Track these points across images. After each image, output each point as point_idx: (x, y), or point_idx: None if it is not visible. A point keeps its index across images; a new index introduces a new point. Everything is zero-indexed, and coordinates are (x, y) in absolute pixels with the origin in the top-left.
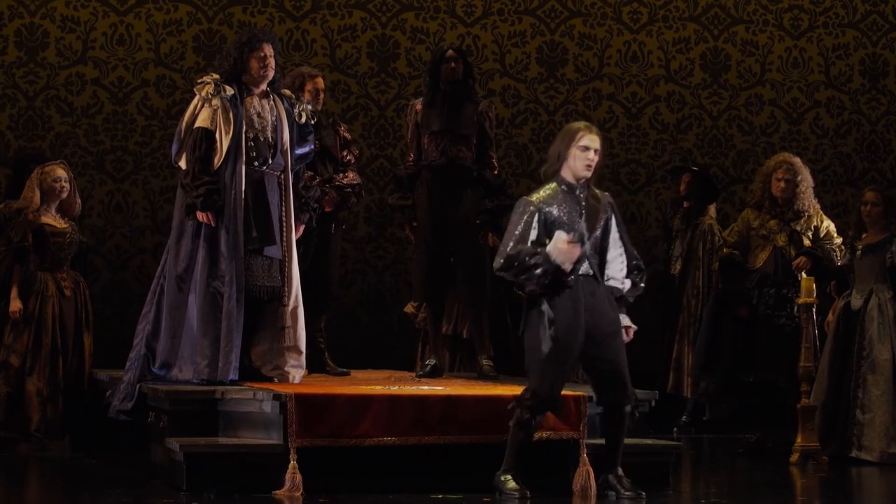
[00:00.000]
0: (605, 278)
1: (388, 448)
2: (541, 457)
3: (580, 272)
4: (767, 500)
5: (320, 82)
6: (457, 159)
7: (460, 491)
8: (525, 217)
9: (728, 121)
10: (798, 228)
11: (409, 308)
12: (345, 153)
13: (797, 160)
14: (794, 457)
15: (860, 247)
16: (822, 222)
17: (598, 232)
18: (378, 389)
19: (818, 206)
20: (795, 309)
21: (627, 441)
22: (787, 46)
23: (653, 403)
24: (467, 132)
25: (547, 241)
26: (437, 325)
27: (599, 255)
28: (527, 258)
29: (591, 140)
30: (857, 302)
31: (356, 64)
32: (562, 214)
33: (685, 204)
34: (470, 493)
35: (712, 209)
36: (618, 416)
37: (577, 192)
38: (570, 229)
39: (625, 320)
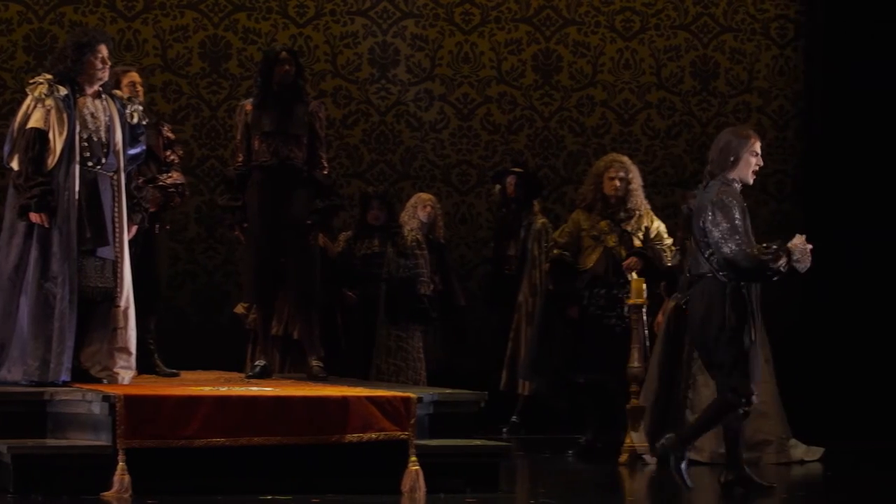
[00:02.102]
0: None
1: (217, 449)
2: (370, 457)
3: None
4: (596, 501)
5: (135, 76)
6: (288, 160)
7: (290, 492)
8: (740, 212)
9: (559, 122)
10: (629, 229)
11: (239, 309)
12: (168, 153)
13: (627, 159)
14: (624, 457)
15: None
16: (652, 223)
17: None
18: (207, 390)
19: (648, 206)
20: (625, 310)
21: (455, 442)
22: (618, 48)
23: (482, 404)
24: (298, 132)
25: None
26: (268, 325)
27: None
28: (771, 263)
29: (760, 147)
30: None
31: (188, 64)
32: (745, 208)
33: (513, 206)
34: (299, 494)
35: (536, 205)
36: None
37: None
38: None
39: None
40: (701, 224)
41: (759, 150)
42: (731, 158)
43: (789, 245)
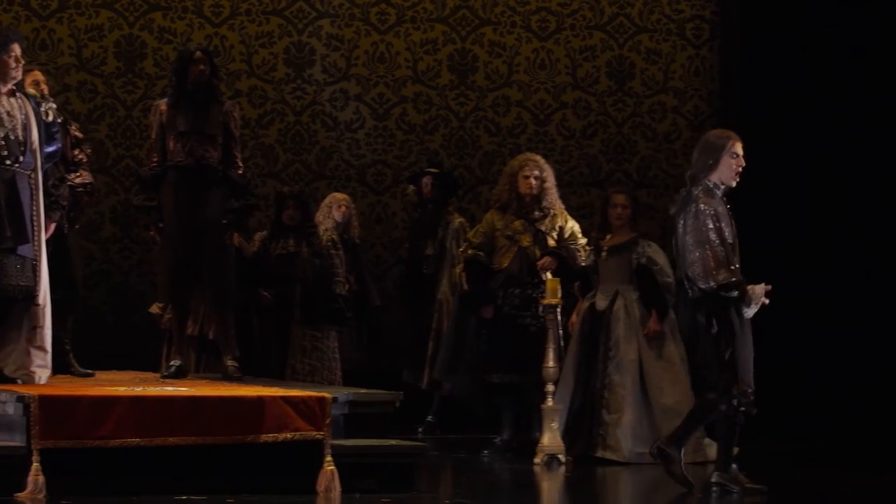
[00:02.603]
0: None
1: (132, 449)
2: (285, 457)
3: None
4: (512, 501)
5: (38, 75)
6: (203, 159)
7: (205, 492)
8: (715, 225)
9: (475, 122)
10: (543, 228)
11: (154, 308)
12: (76, 152)
13: (541, 158)
14: (539, 457)
15: (606, 247)
16: (566, 222)
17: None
18: (122, 390)
19: (562, 206)
20: (540, 309)
21: (371, 442)
22: (534, 48)
23: (397, 404)
24: (213, 132)
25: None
26: (183, 325)
27: None
28: (723, 291)
29: (741, 148)
30: (601, 303)
31: (103, 64)
32: (724, 211)
33: (429, 206)
34: (214, 495)
35: (451, 205)
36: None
37: (721, 195)
38: (728, 223)
39: None
40: (677, 230)
41: (739, 152)
42: (710, 161)
43: (749, 287)
